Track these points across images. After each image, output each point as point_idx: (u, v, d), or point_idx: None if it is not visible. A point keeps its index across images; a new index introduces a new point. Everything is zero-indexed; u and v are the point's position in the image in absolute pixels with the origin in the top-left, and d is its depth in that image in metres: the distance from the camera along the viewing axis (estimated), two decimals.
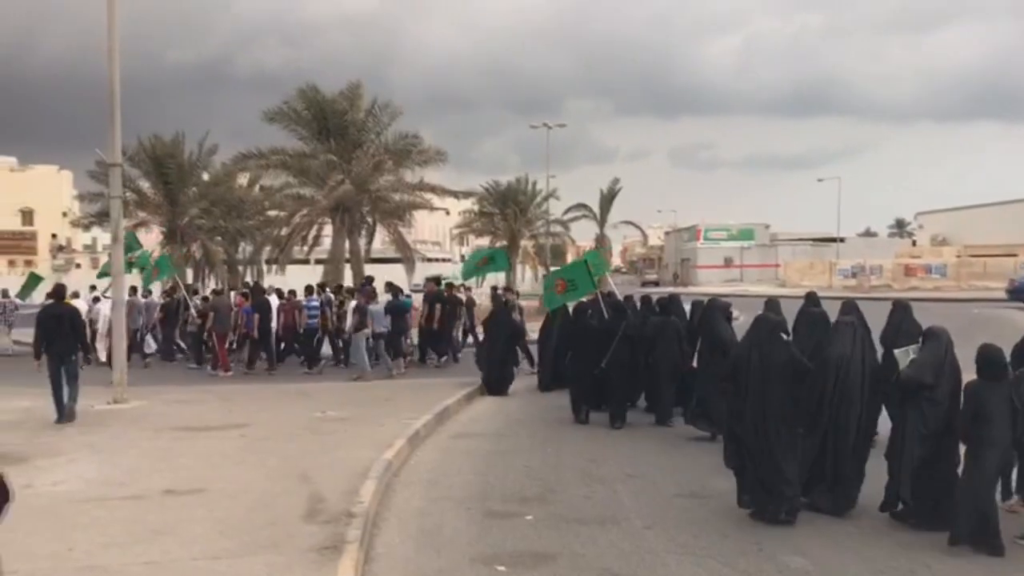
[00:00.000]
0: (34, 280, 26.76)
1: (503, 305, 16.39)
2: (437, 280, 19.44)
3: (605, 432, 11.36)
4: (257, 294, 18.93)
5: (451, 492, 8.28)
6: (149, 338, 20.23)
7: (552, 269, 18.30)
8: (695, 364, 11.39)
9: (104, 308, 18.90)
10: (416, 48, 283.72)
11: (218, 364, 17.80)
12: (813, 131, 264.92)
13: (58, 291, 13.43)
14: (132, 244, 21.95)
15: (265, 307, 17.94)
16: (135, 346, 18.46)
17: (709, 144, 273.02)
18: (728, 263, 77.82)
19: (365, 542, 6.47)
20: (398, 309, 17.46)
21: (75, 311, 13.30)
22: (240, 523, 6.81)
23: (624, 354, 11.83)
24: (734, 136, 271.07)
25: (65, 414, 11.64)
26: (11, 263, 71.12)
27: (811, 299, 11.02)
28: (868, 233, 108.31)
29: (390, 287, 18.26)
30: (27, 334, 21.90)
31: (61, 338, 11.92)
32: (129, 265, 20.84)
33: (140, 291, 20.98)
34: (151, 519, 6.89)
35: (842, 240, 70.82)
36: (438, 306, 18.17)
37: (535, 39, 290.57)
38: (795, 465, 7.19)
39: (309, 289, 18.70)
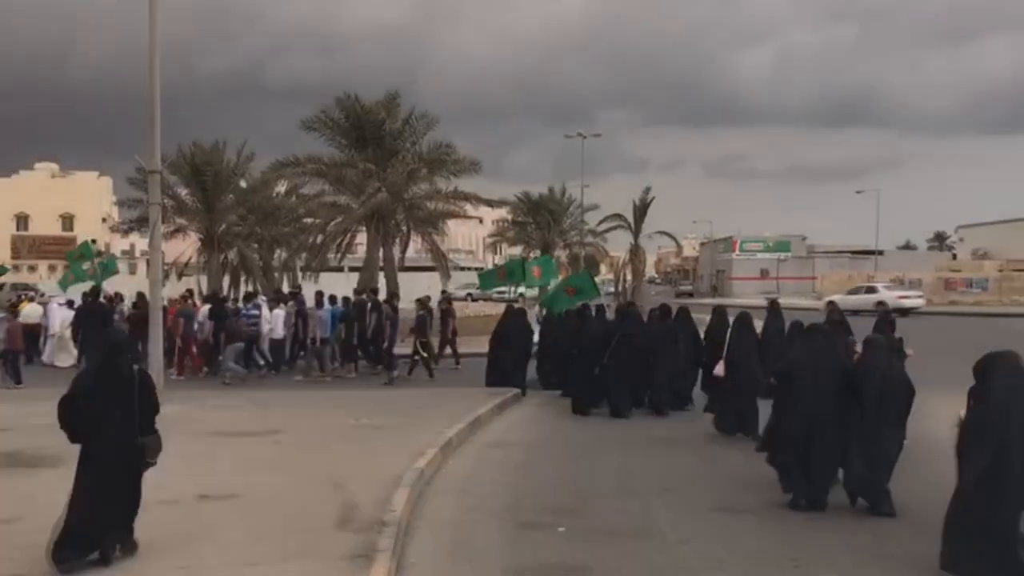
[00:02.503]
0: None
1: (520, 311, 16.68)
2: (374, 291, 20.05)
3: (639, 445, 11.26)
4: (214, 301, 19.40)
5: (483, 502, 8.25)
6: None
7: (561, 278, 19.36)
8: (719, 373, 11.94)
9: (56, 310, 19.78)
10: (448, 58, 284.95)
11: (184, 369, 17.99)
12: (850, 142, 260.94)
13: (93, 292, 17.32)
14: (87, 254, 22.20)
15: (221, 315, 18.12)
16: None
17: (743, 155, 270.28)
18: (764, 275, 76.99)
19: (397, 551, 6.45)
20: (345, 317, 18.06)
21: (108, 309, 16.46)
22: (273, 529, 6.82)
23: (624, 354, 12.87)
24: (768, 147, 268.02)
25: None
26: (51, 267, 72.51)
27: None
28: (907, 246, 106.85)
29: (332, 299, 18.53)
30: None
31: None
32: (85, 274, 21.35)
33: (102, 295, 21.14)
34: (186, 524, 6.93)
35: (881, 253, 69.85)
36: (373, 316, 18.29)
37: (567, 50, 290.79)
38: (836, 465, 7.76)
39: (248, 296, 18.91)
